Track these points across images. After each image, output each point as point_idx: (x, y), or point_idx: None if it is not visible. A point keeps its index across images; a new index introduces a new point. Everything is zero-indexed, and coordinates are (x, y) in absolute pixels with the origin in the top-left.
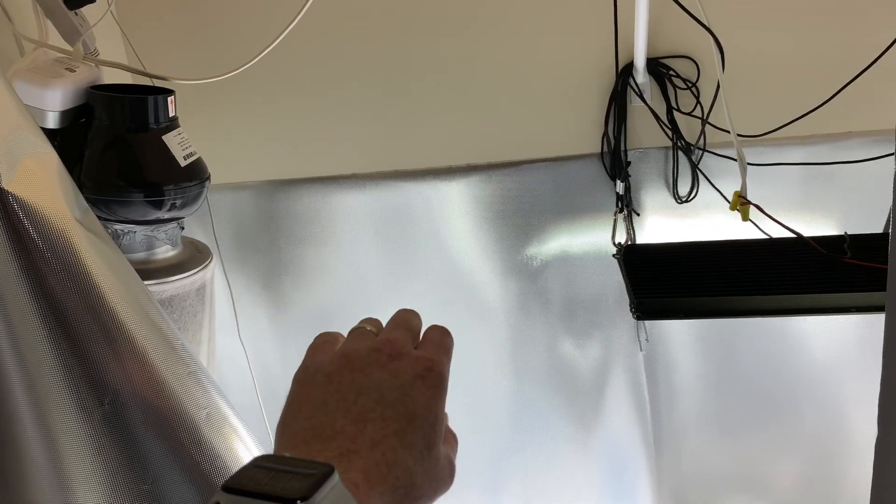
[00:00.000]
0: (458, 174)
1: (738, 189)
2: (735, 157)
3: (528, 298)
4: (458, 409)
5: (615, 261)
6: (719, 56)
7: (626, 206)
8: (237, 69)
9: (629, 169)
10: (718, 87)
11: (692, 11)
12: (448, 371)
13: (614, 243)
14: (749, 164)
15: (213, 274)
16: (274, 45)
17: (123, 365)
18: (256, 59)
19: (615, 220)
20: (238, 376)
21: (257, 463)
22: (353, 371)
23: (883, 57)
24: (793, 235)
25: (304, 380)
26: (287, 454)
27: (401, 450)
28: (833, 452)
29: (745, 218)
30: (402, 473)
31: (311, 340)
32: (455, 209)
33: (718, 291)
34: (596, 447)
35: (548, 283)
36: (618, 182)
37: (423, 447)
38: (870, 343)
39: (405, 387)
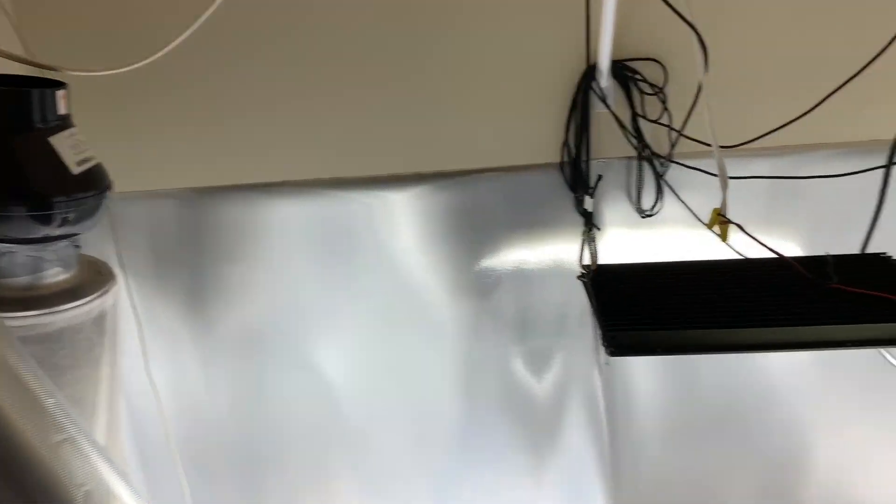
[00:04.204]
0: (405, 183)
1: (717, 206)
2: (705, 169)
3: (481, 318)
4: (406, 436)
5: (575, 278)
6: (702, 56)
7: (589, 222)
8: (146, 60)
9: (592, 181)
10: (699, 91)
11: (675, 6)
12: None
13: (581, 265)
14: (711, 174)
15: (115, 300)
16: (191, 31)
17: None
18: (170, 49)
19: (583, 241)
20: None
21: None
22: None
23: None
24: (771, 256)
25: None
26: None
27: None
28: (786, 467)
29: (725, 238)
30: None
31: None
32: (401, 221)
33: (700, 323)
34: (550, 477)
35: (502, 302)
36: (586, 198)
37: None
38: (824, 360)
39: None
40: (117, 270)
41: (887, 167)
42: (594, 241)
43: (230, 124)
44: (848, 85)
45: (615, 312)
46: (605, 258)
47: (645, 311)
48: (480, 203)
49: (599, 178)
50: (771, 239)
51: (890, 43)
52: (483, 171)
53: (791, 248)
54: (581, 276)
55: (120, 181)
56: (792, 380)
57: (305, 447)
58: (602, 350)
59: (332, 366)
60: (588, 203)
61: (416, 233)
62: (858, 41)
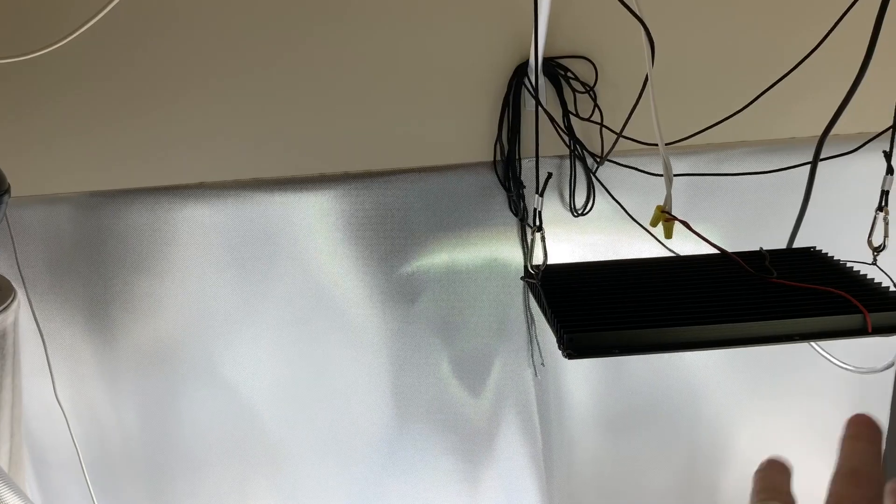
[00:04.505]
0: (326, 184)
1: (659, 203)
2: (640, 168)
3: (409, 324)
4: (330, 450)
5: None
6: (649, 51)
7: (522, 221)
8: (43, 49)
9: (523, 180)
10: (644, 84)
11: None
12: None
13: (531, 266)
14: (647, 173)
15: (15, 317)
16: (96, 19)
17: None
18: (71, 38)
19: (533, 240)
20: (57, 436)
21: None
22: None
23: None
24: (709, 252)
25: None
26: None
27: None
28: (709, 457)
29: (669, 235)
30: None
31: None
32: (323, 224)
33: (657, 322)
34: (485, 483)
35: (431, 306)
36: (536, 197)
37: None
38: (744, 353)
39: None
40: (17, 284)
41: (813, 163)
42: (544, 241)
43: (135, 121)
44: (766, 83)
45: (570, 314)
46: (540, 258)
47: (600, 311)
48: (408, 204)
49: (549, 175)
50: (692, 235)
51: (819, 44)
52: (411, 171)
53: (705, 246)
54: (526, 277)
55: (12, 185)
56: (715, 373)
57: (222, 465)
58: (539, 355)
59: (250, 379)
60: (537, 202)
61: (338, 236)
62: (781, 42)
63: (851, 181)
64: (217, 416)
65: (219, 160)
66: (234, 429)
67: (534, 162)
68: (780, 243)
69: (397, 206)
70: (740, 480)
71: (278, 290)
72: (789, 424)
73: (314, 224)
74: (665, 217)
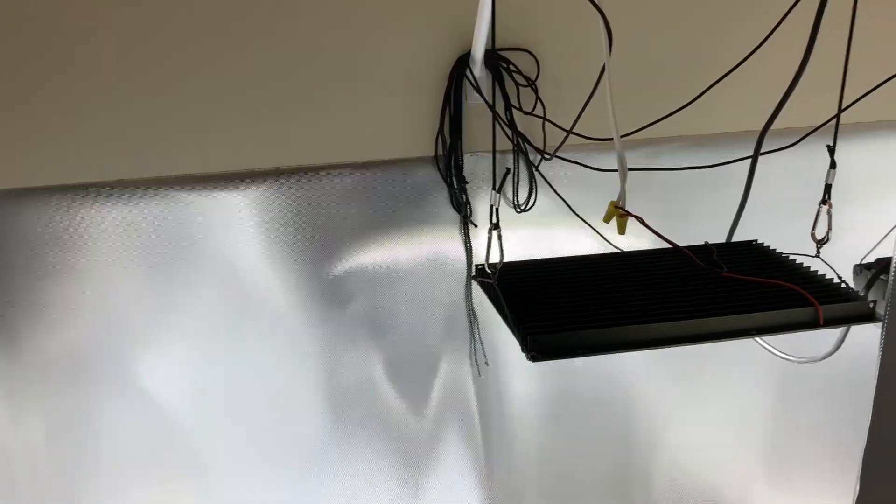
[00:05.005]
0: (252, 180)
1: (611, 199)
2: (583, 163)
3: (344, 327)
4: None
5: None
6: (607, 41)
7: (465, 217)
8: None
9: (465, 175)
10: (601, 73)
11: None
12: None
13: (487, 265)
14: (594, 168)
15: None
16: None
17: None
18: None
19: (489, 238)
20: None
21: None
22: None
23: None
24: (660, 248)
25: None
26: None
27: None
28: (642, 446)
29: (623, 231)
30: None
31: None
32: (247, 223)
33: (617, 320)
34: (426, 485)
35: (367, 308)
36: (493, 193)
37: None
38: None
39: None
40: None
41: (754, 157)
42: (500, 239)
43: (43, 113)
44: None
45: (531, 314)
46: (482, 256)
47: (560, 310)
48: (344, 201)
49: (508, 171)
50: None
51: (763, 41)
52: (347, 166)
53: (643, 240)
54: (479, 277)
55: None
56: (648, 366)
57: (143, 475)
58: (482, 354)
59: (170, 387)
60: (493, 198)
61: (264, 235)
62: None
63: (782, 175)
64: (136, 427)
65: (138, 156)
66: (154, 438)
67: (476, 157)
68: (712, 236)
69: (332, 204)
70: (672, 467)
71: (201, 295)
72: (718, 413)
73: (242, 224)
74: (619, 213)
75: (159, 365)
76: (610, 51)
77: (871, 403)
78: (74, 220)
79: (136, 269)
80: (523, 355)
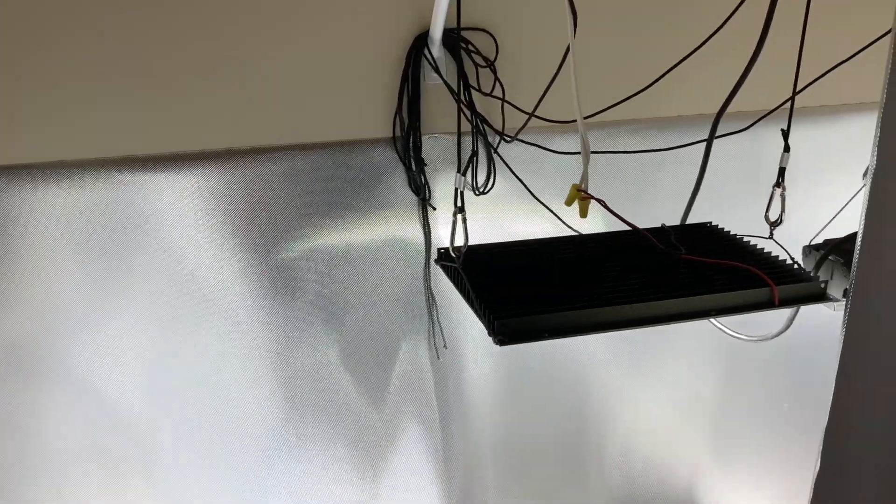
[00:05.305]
0: (202, 162)
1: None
2: (542, 145)
3: (297, 313)
4: (209, 453)
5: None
6: (572, 22)
7: (424, 200)
8: None
9: (424, 157)
10: (565, 55)
11: None
12: None
13: (452, 248)
14: (554, 151)
15: None
16: None
17: None
18: None
19: (454, 222)
20: None
21: None
22: None
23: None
24: (618, 230)
25: None
26: None
27: None
28: (594, 422)
29: (584, 214)
30: None
31: None
32: (196, 207)
33: (582, 303)
34: (383, 477)
35: (322, 293)
36: (458, 177)
37: None
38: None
39: None
40: None
41: (709, 140)
42: (465, 223)
43: None
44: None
45: (496, 298)
46: (441, 239)
47: (524, 294)
48: (298, 182)
49: (474, 153)
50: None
51: (720, 27)
52: (302, 147)
53: (598, 222)
54: (443, 261)
55: None
56: (601, 347)
57: (88, 469)
58: (441, 337)
59: (113, 380)
60: (459, 181)
61: (219, 220)
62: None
63: (735, 158)
64: (78, 422)
65: (80, 135)
66: (98, 433)
67: (434, 138)
68: (667, 218)
69: (286, 186)
70: (624, 445)
71: (147, 282)
72: (668, 391)
73: (190, 208)
74: (581, 196)
75: (103, 356)
76: (574, 32)
77: (817, 381)
78: (11, 205)
79: (78, 255)
80: (483, 338)
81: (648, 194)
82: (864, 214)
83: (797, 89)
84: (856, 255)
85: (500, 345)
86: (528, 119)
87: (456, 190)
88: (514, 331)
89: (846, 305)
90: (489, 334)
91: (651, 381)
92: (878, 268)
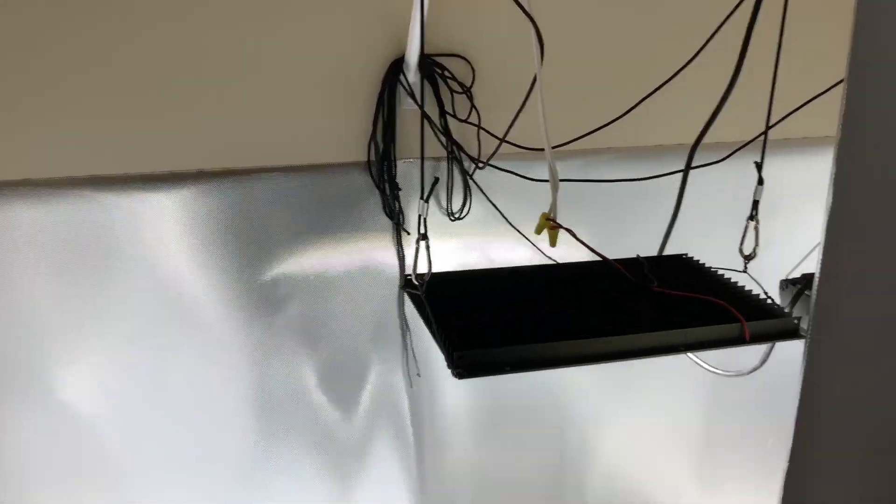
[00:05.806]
0: (179, 183)
1: (545, 210)
2: (519, 173)
3: (274, 336)
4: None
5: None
6: (539, 50)
7: (398, 225)
8: None
9: (398, 181)
10: (533, 84)
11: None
12: None
13: (415, 276)
14: (526, 178)
15: None
16: None
17: None
18: None
19: (417, 249)
20: None
21: None
22: None
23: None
24: (590, 260)
25: None
26: None
27: None
28: (576, 457)
29: (554, 243)
30: None
31: None
32: (174, 227)
33: (546, 336)
34: (357, 496)
35: (298, 316)
36: (421, 203)
37: None
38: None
39: None
40: None
41: (685, 171)
42: (429, 250)
43: None
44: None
45: (457, 329)
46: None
47: (487, 325)
48: (273, 205)
49: (436, 180)
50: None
51: (694, 56)
52: (277, 170)
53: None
54: (407, 288)
55: None
56: (583, 376)
57: (55, 489)
58: (414, 365)
59: (86, 398)
60: (421, 208)
61: (193, 242)
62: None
63: (712, 189)
64: (50, 440)
65: (49, 153)
66: (70, 451)
67: (409, 163)
68: (644, 249)
69: (260, 209)
70: (604, 477)
71: (120, 302)
72: (650, 422)
73: (165, 228)
74: (550, 224)
75: (76, 374)
76: (542, 60)
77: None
78: None
79: (51, 275)
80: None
81: (627, 224)
82: (820, 254)
83: (771, 122)
84: (813, 293)
85: (459, 377)
86: (500, 145)
87: (419, 216)
88: (474, 363)
89: (806, 339)
90: (448, 366)
91: (633, 411)
92: (836, 304)
